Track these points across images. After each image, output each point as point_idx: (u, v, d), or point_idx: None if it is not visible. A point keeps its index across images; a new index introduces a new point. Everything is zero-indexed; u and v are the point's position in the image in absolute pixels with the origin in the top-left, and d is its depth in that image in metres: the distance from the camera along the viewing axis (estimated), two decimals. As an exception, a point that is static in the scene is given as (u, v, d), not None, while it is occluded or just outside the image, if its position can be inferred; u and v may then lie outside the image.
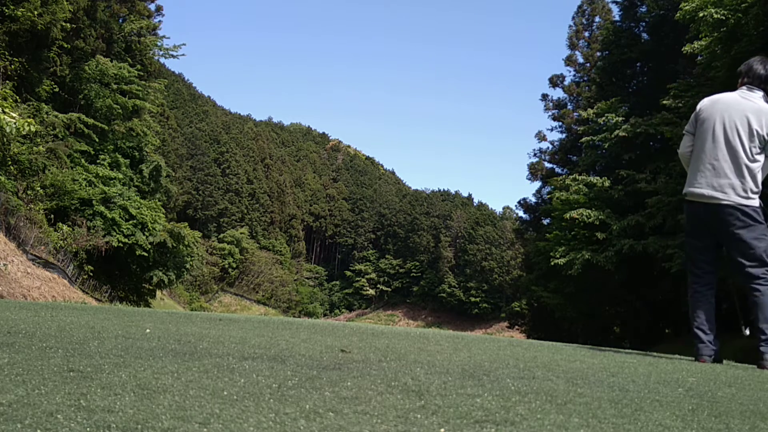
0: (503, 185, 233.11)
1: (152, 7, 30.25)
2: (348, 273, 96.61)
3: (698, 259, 3.70)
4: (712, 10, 15.87)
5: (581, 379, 2.18)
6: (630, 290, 25.62)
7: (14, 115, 11.09)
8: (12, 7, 18.94)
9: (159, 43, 29.09)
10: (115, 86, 25.35)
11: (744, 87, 3.84)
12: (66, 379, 1.44)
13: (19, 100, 19.11)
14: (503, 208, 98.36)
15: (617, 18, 30.90)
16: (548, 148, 36.08)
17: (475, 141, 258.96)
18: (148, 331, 2.95)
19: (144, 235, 24.56)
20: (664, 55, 26.31)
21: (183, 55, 56.20)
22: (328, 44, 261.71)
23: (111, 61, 25.22)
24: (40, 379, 1.40)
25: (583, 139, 27.77)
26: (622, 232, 23.04)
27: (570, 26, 37.20)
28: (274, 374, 1.73)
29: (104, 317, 3.80)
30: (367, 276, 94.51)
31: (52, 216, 22.14)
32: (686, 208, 3.72)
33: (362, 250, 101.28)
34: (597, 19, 36.38)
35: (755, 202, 3.50)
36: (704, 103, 3.86)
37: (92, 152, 24.48)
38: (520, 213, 40.14)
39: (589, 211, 24.00)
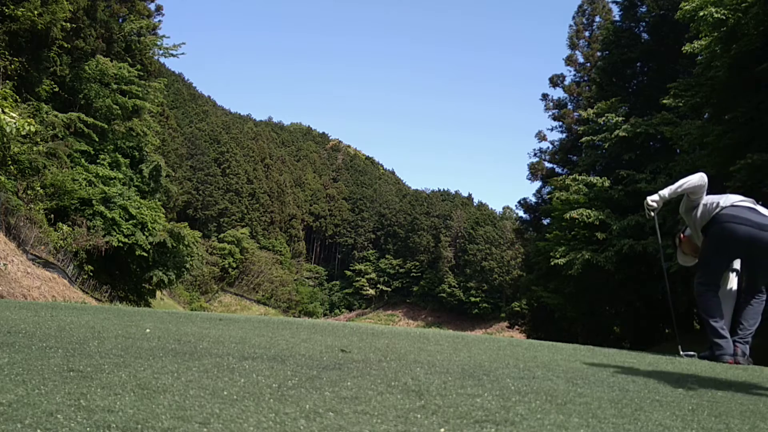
0: (503, 185, 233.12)
1: (152, 6, 30.25)
2: (348, 273, 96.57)
3: (719, 275, 4.07)
4: (713, 10, 15.87)
5: (581, 379, 2.18)
6: (630, 290, 25.60)
7: (14, 114, 11.08)
8: (12, 6, 18.92)
9: (159, 43, 29.07)
10: (115, 86, 25.33)
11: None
12: (66, 379, 1.44)
13: (19, 100, 19.09)
14: (503, 208, 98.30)
15: (617, 18, 30.90)
16: (548, 148, 36.08)
17: (475, 141, 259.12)
18: (148, 331, 2.95)
19: (144, 235, 24.53)
20: (664, 55, 26.31)
21: (183, 54, 56.21)
22: (328, 44, 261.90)
23: (111, 61, 25.19)
24: (40, 379, 1.40)
25: (583, 139, 27.77)
26: (622, 232, 23.04)
27: (570, 26, 37.20)
28: (274, 374, 1.73)
29: (104, 317, 3.80)
30: (367, 276, 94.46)
31: (52, 216, 22.11)
32: (726, 228, 3.92)
33: (362, 250, 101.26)
34: (597, 18, 36.39)
35: None
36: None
37: (92, 152, 24.46)
38: (520, 213, 40.12)
39: (589, 211, 24.00)
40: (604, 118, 25.87)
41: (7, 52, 19.17)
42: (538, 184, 36.37)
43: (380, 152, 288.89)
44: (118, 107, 25.34)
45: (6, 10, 18.87)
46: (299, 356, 2.25)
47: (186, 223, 31.65)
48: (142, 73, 27.21)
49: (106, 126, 25.14)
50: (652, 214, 4.38)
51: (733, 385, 2.37)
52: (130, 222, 24.18)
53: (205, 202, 77.86)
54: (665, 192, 4.35)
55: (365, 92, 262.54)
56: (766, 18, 15.37)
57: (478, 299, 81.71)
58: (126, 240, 23.77)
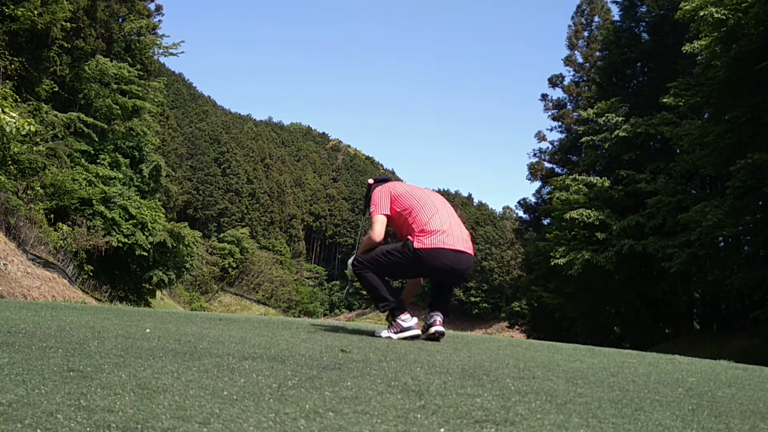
0: (503, 185, 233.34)
1: (152, 6, 30.26)
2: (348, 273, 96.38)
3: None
4: (713, 10, 15.89)
5: (581, 379, 2.18)
6: (630, 290, 25.62)
7: (14, 114, 11.07)
8: (12, 6, 18.91)
9: (158, 42, 29.04)
10: (115, 86, 25.32)
11: None
12: (66, 378, 1.44)
13: (19, 100, 19.08)
14: (503, 208, 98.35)
15: (617, 18, 30.93)
16: (548, 148, 36.12)
17: (475, 141, 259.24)
18: (148, 331, 2.95)
19: (144, 234, 24.51)
20: (664, 55, 26.33)
21: (182, 52, 55.98)
22: (328, 44, 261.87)
23: (111, 61, 25.19)
24: (40, 379, 1.40)
25: (583, 139, 27.79)
26: (622, 232, 23.06)
27: (569, 26, 37.20)
28: (274, 374, 1.73)
29: (104, 317, 3.80)
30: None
31: (52, 216, 22.09)
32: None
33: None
34: (596, 18, 36.38)
35: None
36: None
37: (92, 152, 24.43)
38: (520, 213, 40.21)
39: (589, 211, 24.02)
40: (604, 118, 25.89)
41: (7, 52, 19.17)
42: (538, 184, 36.48)
43: (380, 152, 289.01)
44: (118, 107, 25.33)
45: (6, 10, 18.86)
46: (299, 356, 2.25)
47: (186, 223, 31.64)
48: (142, 73, 27.20)
49: (106, 126, 25.12)
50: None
51: (733, 385, 2.37)
52: (130, 222, 24.16)
53: (205, 202, 77.86)
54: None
55: (365, 92, 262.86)
56: (766, 18, 15.38)
57: (478, 299, 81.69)
58: (126, 240, 23.74)
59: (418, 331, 3.54)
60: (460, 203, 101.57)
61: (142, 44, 28.29)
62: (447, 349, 3.13)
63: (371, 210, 3.72)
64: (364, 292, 3.85)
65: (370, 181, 3.98)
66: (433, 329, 3.63)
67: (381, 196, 3.73)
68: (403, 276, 3.68)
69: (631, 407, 1.56)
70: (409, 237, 3.57)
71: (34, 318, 3.24)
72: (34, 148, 19.29)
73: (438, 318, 3.65)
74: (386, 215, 3.68)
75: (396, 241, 3.81)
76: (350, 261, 3.75)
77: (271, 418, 1.17)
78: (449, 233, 3.53)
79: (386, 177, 4.05)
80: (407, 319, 3.53)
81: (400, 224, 3.72)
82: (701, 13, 16.26)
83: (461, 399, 1.52)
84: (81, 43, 23.84)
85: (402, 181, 4.38)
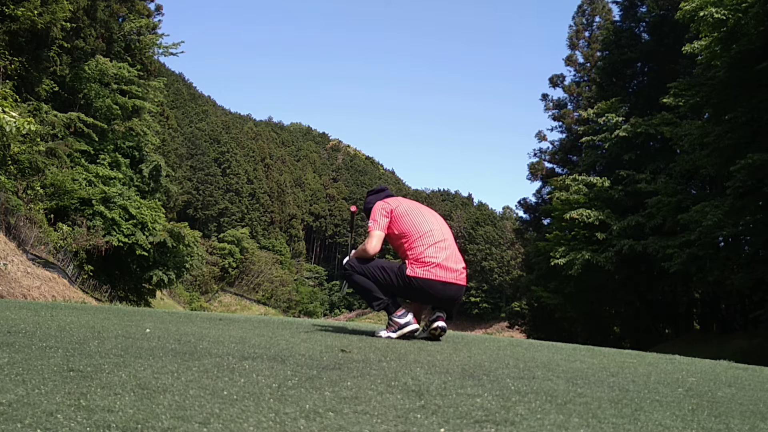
0: (503, 185, 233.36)
1: (152, 6, 30.24)
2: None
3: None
4: (713, 10, 15.89)
5: (581, 379, 2.18)
6: (630, 290, 25.63)
7: (14, 114, 11.07)
8: (12, 6, 18.90)
9: (158, 42, 29.01)
10: (115, 86, 25.30)
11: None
12: (66, 378, 1.44)
13: (19, 100, 19.07)
14: (503, 208, 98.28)
15: (617, 18, 30.95)
16: (548, 148, 36.12)
17: (475, 141, 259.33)
18: (148, 330, 2.95)
19: (144, 234, 24.49)
20: (664, 55, 26.33)
21: (182, 52, 55.83)
22: (328, 44, 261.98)
23: (111, 61, 25.18)
24: (40, 379, 1.40)
25: (583, 139, 27.79)
26: (622, 232, 23.06)
27: (570, 26, 37.21)
28: (274, 374, 1.73)
29: (104, 317, 3.80)
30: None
31: (52, 216, 22.08)
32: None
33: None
34: (597, 19, 36.39)
35: None
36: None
37: (92, 152, 24.41)
38: (520, 213, 40.24)
39: (589, 211, 24.02)
40: (604, 118, 25.89)
41: (7, 52, 19.16)
42: (538, 184, 36.48)
43: (380, 152, 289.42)
44: (118, 107, 25.31)
45: (6, 10, 18.85)
46: (299, 356, 2.25)
47: (186, 223, 31.59)
48: (141, 73, 27.17)
49: (106, 126, 25.10)
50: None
51: (733, 385, 2.37)
52: (130, 222, 24.13)
53: (205, 202, 77.86)
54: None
55: (365, 92, 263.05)
56: (766, 18, 15.38)
57: (478, 299, 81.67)
58: (126, 240, 23.72)
59: (416, 325, 3.59)
60: (460, 203, 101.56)
61: (142, 44, 28.27)
62: (447, 349, 3.13)
63: (369, 225, 3.82)
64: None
65: (353, 208, 4.08)
66: (435, 324, 3.67)
67: (380, 215, 3.83)
68: (395, 295, 3.73)
69: (631, 407, 1.56)
70: (405, 261, 3.68)
71: (34, 318, 3.24)
72: (34, 148, 19.27)
73: (441, 315, 3.69)
74: (384, 232, 3.79)
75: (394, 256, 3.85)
76: (345, 261, 3.80)
77: (271, 418, 1.17)
78: (442, 266, 3.62)
79: (382, 187, 4.13)
80: (402, 315, 3.57)
81: (397, 246, 3.82)
82: (701, 14, 16.26)
83: (461, 399, 1.52)
84: (81, 43, 23.82)
85: (399, 185, 4.42)
